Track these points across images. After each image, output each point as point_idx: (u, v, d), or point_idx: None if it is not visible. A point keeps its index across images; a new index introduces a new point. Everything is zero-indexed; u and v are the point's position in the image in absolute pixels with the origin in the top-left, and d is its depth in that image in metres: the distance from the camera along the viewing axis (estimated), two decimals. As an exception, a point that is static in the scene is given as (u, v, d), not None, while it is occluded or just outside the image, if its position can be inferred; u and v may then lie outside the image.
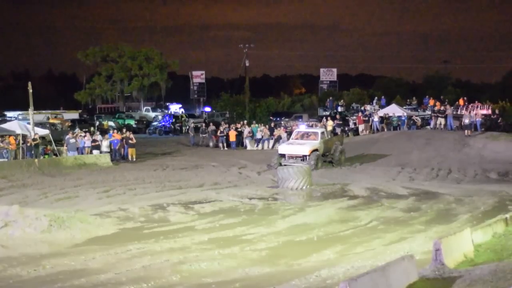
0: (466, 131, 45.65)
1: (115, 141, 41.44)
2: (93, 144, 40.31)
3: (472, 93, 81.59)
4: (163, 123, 63.97)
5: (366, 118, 53.97)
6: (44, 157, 38.01)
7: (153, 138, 58.98)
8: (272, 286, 13.07)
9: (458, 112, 55.09)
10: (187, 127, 55.10)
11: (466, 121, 46.53)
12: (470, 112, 50.06)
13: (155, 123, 64.32)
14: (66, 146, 39.74)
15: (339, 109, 64.49)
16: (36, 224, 18.62)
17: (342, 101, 70.25)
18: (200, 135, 52.40)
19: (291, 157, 36.26)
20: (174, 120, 65.77)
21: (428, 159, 39.85)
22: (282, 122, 57.58)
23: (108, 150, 40.79)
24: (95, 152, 39.95)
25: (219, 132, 49.84)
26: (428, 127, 51.93)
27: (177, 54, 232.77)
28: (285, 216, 22.13)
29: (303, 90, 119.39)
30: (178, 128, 63.90)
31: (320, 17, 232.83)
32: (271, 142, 47.68)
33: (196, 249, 16.94)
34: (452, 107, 54.44)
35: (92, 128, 54.14)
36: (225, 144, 48.82)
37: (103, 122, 65.85)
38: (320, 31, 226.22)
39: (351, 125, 54.29)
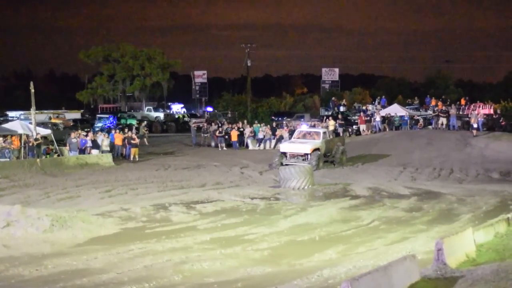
0: (474, 131, 45.74)
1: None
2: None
3: (474, 93, 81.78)
4: (107, 125, 63.38)
5: (368, 118, 54.00)
6: (46, 157, 38.01)
7: (155, 138, 58.86)
8: (274, 286, 13.06)
9: (460, 112, 55.17)
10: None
11: (473, 123, 46.59)
12: (478, 114, 50.01)
13: (99, 124, 63.28)
14: (68, 146, 39.68)
15: (341, 109, 64.46)
16: (38, 224, 18.63)
17: (344, 101, 70.22)
18: (202, 134, 52.38)
19: (293, 156, 36.32)
20: (118, 121, 65.84)
21: (430, 159, 39.86)
22: (284, 122, 57.51)
23: (108, 149, 40.79)
24: (94, 151, 39.89)
25: (217, 132, 49.76)
26: (430, 127, 51.97)
27: (179, 54, 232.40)
28: (287, 216, 22.14)
29: (305, 90, 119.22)
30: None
31: (322, 17, 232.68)
32: (273, 142, 47.68)
33: (198, 249, 16.95)
34: (455, 107, 54.56)
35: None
36: (224, 145, 48.71)
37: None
38: (322, 31, 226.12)
39: (354, 127, 54.25)
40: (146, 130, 53.11)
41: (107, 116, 69.25)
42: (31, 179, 31.75)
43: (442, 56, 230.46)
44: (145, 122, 60.93)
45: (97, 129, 55.05)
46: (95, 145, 40.47)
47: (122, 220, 21.20)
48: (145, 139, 50.70)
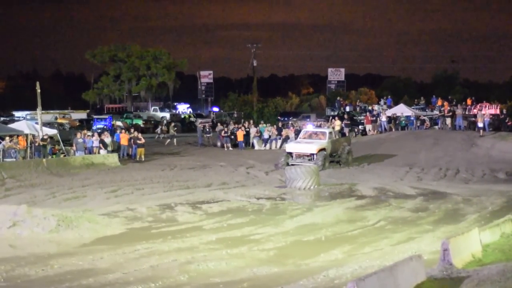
0: (480, 131, 45.66)
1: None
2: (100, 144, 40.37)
3: (480, 93, 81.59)
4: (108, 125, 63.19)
5: (374, 118, 53.95)
6: (52, 157, 38.06)
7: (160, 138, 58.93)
8: (280, 286, 13.06)
9: (466, 112, 55.11)
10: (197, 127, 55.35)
11: (479, 123, 46.53)
12: (484, 114, 49.95)
13: (100, 125, 62.86)
14: (75, 146, 39.69)
15: (347, 109, 64.44)
16: (44, 224, 18.66)
17: (358, 101, 70.29)
18: (204, 135, 52.37)
19: (299, 156, 36.28)
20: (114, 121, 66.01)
21: (436, 159, 39.77)
22: (290, 122, 57.48)
23: (110, 149, 40.80)
24: (102, 152, 39.93)
25: (223, 132, 49.73)
26: (435, 127, 51.90)
27: (185, 54, 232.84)
28: (293, 216, 22.13)
29: (311, 90, 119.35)
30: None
31: (328, 17, 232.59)
32: (279, 142, 47.64)
33: (204, 249, 16.95)
34: (461, 107, 54.52)
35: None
36: (229, 145, 48.67)
37: (111, 122, 65.94)
38: (328, 31, 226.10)
39: (360, 127, 54.22)
40: (175, 131, 53.70)
41: (105, 117, 69.30)
42: (37, 179, 31.81)
43: (448, 56, 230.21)
44: (173, 123, 60.82)
45: (98, 131, 55.09)
46: (102, 145, 40.51)
47: (128, 220, 21.22)
48: (174, 140, 51.30)
